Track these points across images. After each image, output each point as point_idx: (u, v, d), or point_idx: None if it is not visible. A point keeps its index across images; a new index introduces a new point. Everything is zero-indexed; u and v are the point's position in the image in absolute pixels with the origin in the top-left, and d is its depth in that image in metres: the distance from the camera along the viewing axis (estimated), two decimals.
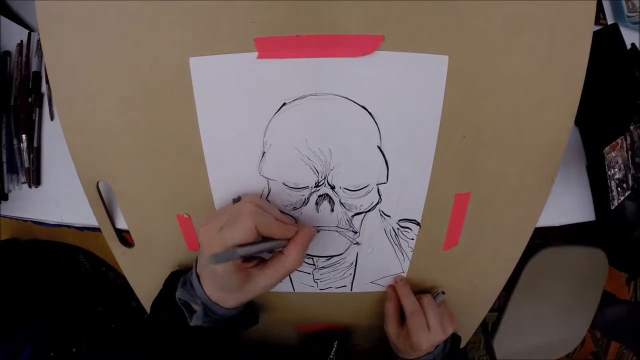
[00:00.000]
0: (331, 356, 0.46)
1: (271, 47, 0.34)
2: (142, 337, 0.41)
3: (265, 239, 0.34)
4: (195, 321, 0.36)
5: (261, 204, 0.35)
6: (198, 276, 0.37)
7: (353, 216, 0.41)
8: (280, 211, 0.39)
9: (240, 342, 0.44)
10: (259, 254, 0.35)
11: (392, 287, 0.45)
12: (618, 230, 0.50)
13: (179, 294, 0.37)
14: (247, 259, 0.35)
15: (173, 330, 0.38)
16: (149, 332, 0.41)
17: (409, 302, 0.43)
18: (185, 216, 0.41)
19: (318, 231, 0.40)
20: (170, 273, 0.44)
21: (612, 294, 1.07)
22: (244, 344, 0.49)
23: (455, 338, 0.49)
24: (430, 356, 0.43)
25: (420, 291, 0.47)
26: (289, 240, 0.35)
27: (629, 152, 0.44)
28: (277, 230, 0.34)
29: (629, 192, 0.44)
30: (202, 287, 0.36)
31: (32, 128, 0.48)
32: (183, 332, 0.37)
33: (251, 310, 0.45)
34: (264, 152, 0.37)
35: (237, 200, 0.38)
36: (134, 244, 0.44)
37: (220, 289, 0.35)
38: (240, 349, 0.43)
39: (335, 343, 0.47)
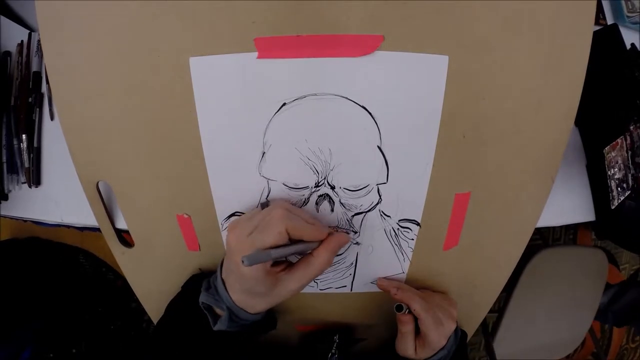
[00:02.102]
0: (333, 351, 0.45)
1: (271, 47, 0.34)
2: (159, 338, 0.41)
3: (294, 242, 0.34)
4: (219, 326, 0.36)
5: (291, 207, 0.35)
6: (223, 281, 0.36)
7: (353, 216, 0.41)
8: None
9: (244, 343, 0.44)
10: (289, 256, 0.34)
11: (408, 315, 0.42)
12: (618, 230, 0.50)
13: (203, 298, 0.37)
14: (275, 263, 0.35)
15: (193, 333, 0.38)
16: (166, 333, 0.40)
17: (420, 303, 0.41)
18: (185, 216, 0.41)
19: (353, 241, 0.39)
20: (191, 276, 0.43)
21: (621, 282, 1.07)
22: (245, 344, 0.49)
23: (462, 334, 0.49)
24: (445, 351, 0.42)
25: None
26: (319, 242, 0.35)
27: (629, 152, 0.44)
28: (308, 233, 0.34)
29: (629, 192, 0.44)
30: (227, 292, 0.36)
31: (32, 128, 0.48)
32: (203, 335, 0.37)
33: (271, 315, 0.45)
34: (264, 152, 0.37)
35: (265, 204, 0.38)
36: (133, 244, 0.44)
37: (248, 293, 0.35)
38: (242, 350, 0.43)
39: (336, 337, 0.47)
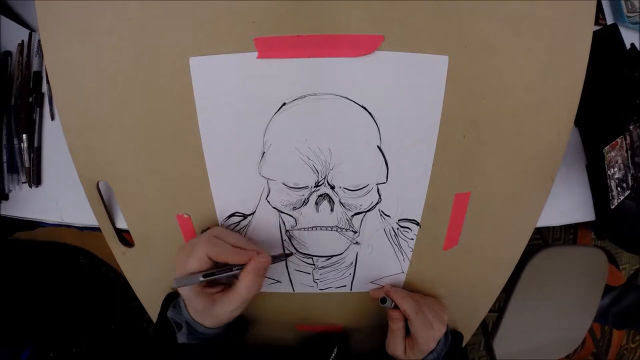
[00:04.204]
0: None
1: (271, 47, 0.34)
2: (148, 355, 0.43)
3: (226, 266, 0.36)
4: (181, 339, 0.39)
5: (220, 233, 0.37)
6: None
7: (353, 216, 0.41)
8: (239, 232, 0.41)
9: (239, 343, 0.44)
10: (222, 278, 0.36)
11: (397, 311, 0.42)
12: (618, 230, 0.50)
13: (169, 313, 0.40)
14: (210, 284, 0.37)
15: (168, 346, 0.40)
16: (153, 349, 0.43)
17: (410, 303, 0.41)
18: (185, 216, 0.41)
19: (273, 261, 0.39)
20: (166, 295, 0.45)
21: (622, 285, 1.07)
22: (242, 345, 0.49)
23: (457, 335, 0.49)
24: (434, 354, 0.42)
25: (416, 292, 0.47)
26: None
27: (629, 152, 0.44)
28: (231, 257, 0.36)
29: (628, 192, 0.44)
30: (186, 307, 0.38)
31: (32, 128, 0.48)
32: (177, 347, 0.39)
33: (239, 324, 0.45)
34: (264, 152, 0.37)
35: (205, 230, 0.41)
36: (133, 244, 0.44)
37: (194, 310, 0.37)
38: (239, 351, 0.43)
39: (335, 349, 0.47)
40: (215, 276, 0.35)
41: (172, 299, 0.44)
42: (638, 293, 1.05)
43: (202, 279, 0.34)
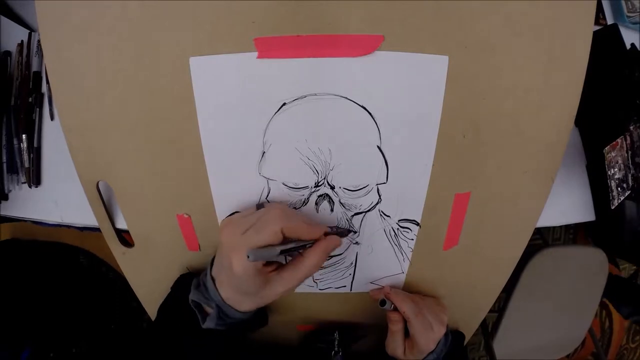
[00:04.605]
0: (336, 349, 0.45)
1: (271, 47, 0.34)
2: (151, 340, 0.41)
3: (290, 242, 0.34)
4: (208, 323, 0.37)
5: (287, 209, 0.36)
6: (213, 278, 0.37)
7: (353, 216, 0.41)
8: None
9: (245, 343, 0.44)
10: (292, 254, 0.35)
11: (397, 313, 0.42)
12: (618, 230, 0.50)
13: (193, 295, 0.37)
14: (266, 263, 0.35)
15: (183, 332, 0.38)
16: (158, 336, 0.41)
17: (409, 305, 0.42)
18: (185, 216, 0.41)
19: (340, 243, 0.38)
20: (179, 276, 0.44)
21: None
22: (247, 345, 0.49)
23: (458, 335, 0.49)
24: (434, 355, 0.42)
25: (416, 293, 0.47)
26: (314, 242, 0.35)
27: (629, 152, 0.44)
28: (304, 232, 0.34)
29: (629, 192, 0.44)
30: (217, 289, 0.36)
31: (32, 128, 0.48)
32: (193, 334, 0.37)
33: (262, 313, 0.45)
34: (264, 152, 0.37)
35: (260, 206, 0.39)
36: (133, 244, 0.44)
37: (237, 291, 0.35)
38: (243, 350, 0.43)
39: (336, 334, 0.47)
40: (292, 251, 0.33)
41: (183, 280, 0.42)
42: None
43: (280, 250, 0.32)
